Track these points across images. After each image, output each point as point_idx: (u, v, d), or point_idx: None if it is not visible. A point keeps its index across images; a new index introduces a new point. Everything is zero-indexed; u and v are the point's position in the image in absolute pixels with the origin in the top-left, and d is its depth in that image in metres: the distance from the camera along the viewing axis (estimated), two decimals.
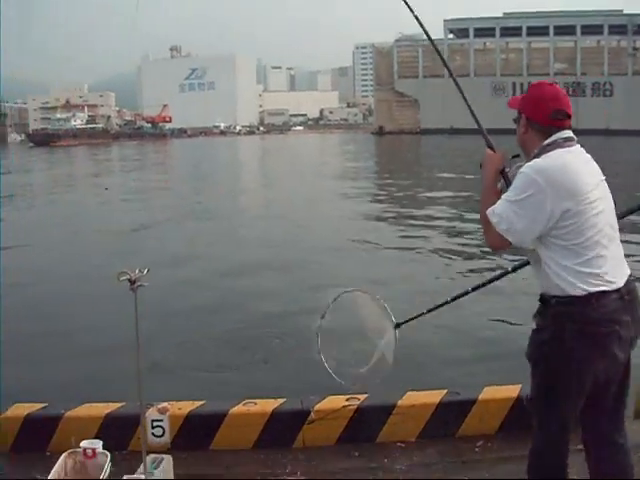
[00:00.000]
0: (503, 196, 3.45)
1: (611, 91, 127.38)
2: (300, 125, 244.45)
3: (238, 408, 5.08)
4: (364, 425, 4.95)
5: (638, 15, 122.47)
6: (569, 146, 3.51)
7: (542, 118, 3.57)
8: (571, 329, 3.34)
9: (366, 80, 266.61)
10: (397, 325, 4.41)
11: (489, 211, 3.43)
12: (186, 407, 5.19)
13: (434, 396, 4.99)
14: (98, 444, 4.57)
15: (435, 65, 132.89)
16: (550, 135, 3.53)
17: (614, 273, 3.41)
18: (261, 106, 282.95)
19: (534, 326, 3.53)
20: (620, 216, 3.65)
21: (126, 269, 3.94)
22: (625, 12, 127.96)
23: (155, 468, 4.56)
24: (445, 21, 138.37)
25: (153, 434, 5.12)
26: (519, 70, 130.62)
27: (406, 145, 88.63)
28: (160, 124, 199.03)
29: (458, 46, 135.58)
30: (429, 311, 4.47)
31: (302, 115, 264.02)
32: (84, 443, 4.57)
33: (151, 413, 5.13)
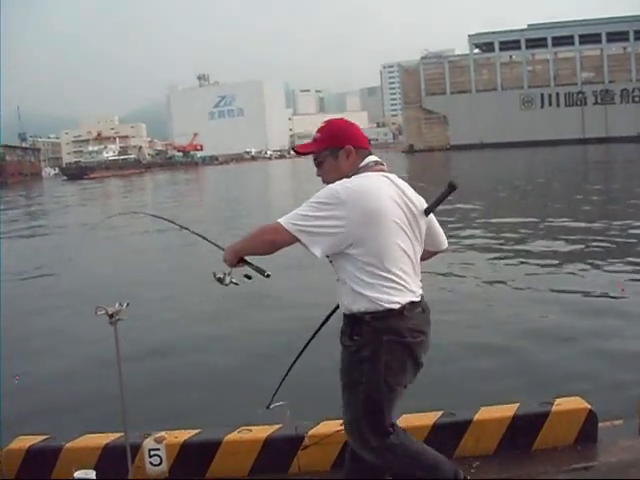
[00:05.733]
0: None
1: None
2: None
3: (233, 435, 5.04)
4: None
5: None
6: (379, 170, 3.71)
7: (362, 140, 3.79)
8: (389, 341, 3.46)
9: (395, 99, 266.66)
10: None
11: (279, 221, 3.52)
12: (182, 435, 5.15)
13: (429, 418, 4.88)
14: (92, 474, 4.55)
15: (462, 81, 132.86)
16: (364, 158, 3.72)
17: (416, 287, 3.62)
18: (291, 129, 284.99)
19: (348, 346, 3.57)
20: (430, 207, 3.74)
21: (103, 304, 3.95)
22: None
23: None
24: (469, 36, 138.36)
25: (151, 463, 5.12)
26: (547, 81, 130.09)
27: (437, 161, 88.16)
28: (191, 152, 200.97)
29: (484, 60, 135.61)
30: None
31: None
32: (78, 474, 4.55)
33: (148, 442, 5.12)
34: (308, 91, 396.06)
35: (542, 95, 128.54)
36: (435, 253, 4.06)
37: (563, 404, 4.87)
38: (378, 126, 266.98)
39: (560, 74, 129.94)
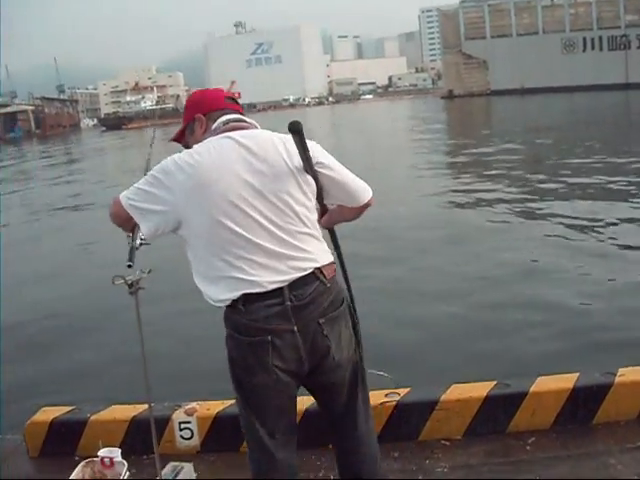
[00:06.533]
0: None
1: None
2: (369, 93, 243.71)
3: None
4: (404, 422, 4.52)
5: None
6: (231, 129, 3.17)
7: (214, 103, 3.35)
8: (229, 337, 3.09)
9: (433, 44, 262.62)
10: None
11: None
12: (215, 407, 4.86)
13: (481, 389, 4.50)
14: (116, 452, 4.33)
15: (502, 24, 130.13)
16: (217, 120, 3.27)
17: (270, 274, 3.01)
18: (329, 76, 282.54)
19: None
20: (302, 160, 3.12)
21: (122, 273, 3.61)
22: None
23: (175, 477, 4.27)
24: None
25: (181, 436, 4.87)
26: (589, 25, 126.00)
27: (476, 107, 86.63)
28: None
29: (525, 3, 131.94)
30: None
31: (371, 83, 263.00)
32: (102, 452, 4.33)
33: (179, 414, 4.86)
34: (346, 37, 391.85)
35: (584, 39, 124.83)
36: (359, 209, 3.34)
37: (627, 374, 4.44)
38: (417, 71, 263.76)
39: (603, 17, 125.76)
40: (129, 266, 3.51)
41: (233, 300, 3.02)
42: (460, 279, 10.26)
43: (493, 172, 22.53)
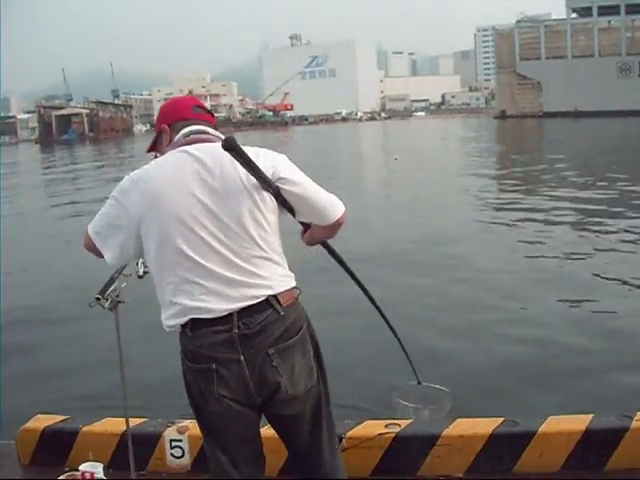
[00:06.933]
0: None
1: None
2: (422, 110, 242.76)
3: (263, 431, 4.47)
4: (403, 456, 4.25)
5: None
6: (191, 142, 2.95)
7: (178, 113, 3.11)
8: (182, 360, 2.95)
9: (488, 63, 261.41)
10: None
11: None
12: None
13: (487, 425, 4.21)
14: (99, 468, 4.27)
15: (558, 46, 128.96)
16: (179, 131, 3.04)
17: (219, 301, 2.80)
18: (382, 92, 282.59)
19: None
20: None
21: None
22: None
23: None
24: (567, 0, 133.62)
25: (172, 454, 4.70)
26: None
27: (527, 128, 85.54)
28: (281, 112, 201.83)
29: (582, 25, 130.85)
30: None
31: (424, 100, 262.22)
32: (84, 466, 4.27)
33: (170, 432, 4.69)
34: (401, 53, 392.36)
35: None
36: (330, 228, 3.04)
37: None
38: (470, 90, 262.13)
39: None
40: (97, 299, 3.43)
41: (182, 324, 2.86)
42: None
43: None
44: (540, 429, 4.11)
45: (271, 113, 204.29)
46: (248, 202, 2.84)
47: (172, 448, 4.64)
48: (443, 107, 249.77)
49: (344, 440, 4.27)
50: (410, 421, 4.39)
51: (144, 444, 4.60)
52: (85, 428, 4.79)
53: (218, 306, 2.80)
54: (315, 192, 2.97)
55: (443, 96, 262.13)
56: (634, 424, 4.07)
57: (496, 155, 42.96)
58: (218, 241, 2.82)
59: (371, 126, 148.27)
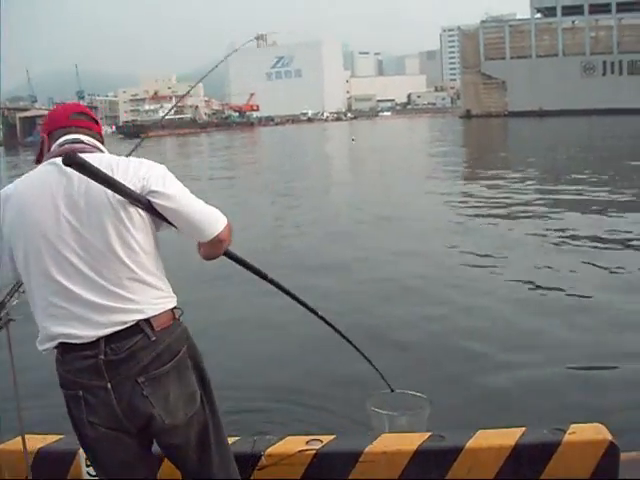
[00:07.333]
0: None
1: None
2: (388, 110, 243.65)
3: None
4: (325, 473, 4.00)
5: None
6: (59, 154, 2.68)
7: (56, 121, 2.92)
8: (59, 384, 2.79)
9: (454, 63, 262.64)
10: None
11: None
12: None
13: (412, 440, 3.96)
14: None
15: (522, 46, 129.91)
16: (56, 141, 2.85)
17: (86, 327, 2.61)
18: (348, 92, 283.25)
19: None
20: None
21: None
22: None
23: None
24: (532, 0, 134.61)
25: (88, 473, 4.40)
26: (609, 48, 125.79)
27: (491, 127, 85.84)
28: (247, 113, 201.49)
29: (546, 25, 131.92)
30: None
31: (390, 100, 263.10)
32: None
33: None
34: (367, 53, 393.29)
35: (604, 62, 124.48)
36: (210, 246, 2.81)
37: (578, 432, 3.89)
38: (436, 90, 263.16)
39: (624, 41, 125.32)
40: None
41: (54, 347, 2.67)
42: None
43: None
44: (468, 444, 3.87)
45: (237, 114, 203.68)
46: (113, 220, 2.61)
47: (87, 466, 4.37)
48: (409, 107, 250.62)
49: (263, 457, 4.03)
50: (332, 437, 4.14)
51: (59, 461, 4.38)
52: (1, 446, 4.51)
53: (85, 332, 2.62)
54: (190, 206, 2.73)
55: (409, 96, 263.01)
56: (566, 437, 3.85)
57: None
58: (84, 262, 2.61)
59: (337, 126, 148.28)
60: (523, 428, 3.97)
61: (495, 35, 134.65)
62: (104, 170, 2.55)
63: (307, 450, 4.02)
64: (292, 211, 20.67)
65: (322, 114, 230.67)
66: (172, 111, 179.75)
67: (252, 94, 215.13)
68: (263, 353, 8.01)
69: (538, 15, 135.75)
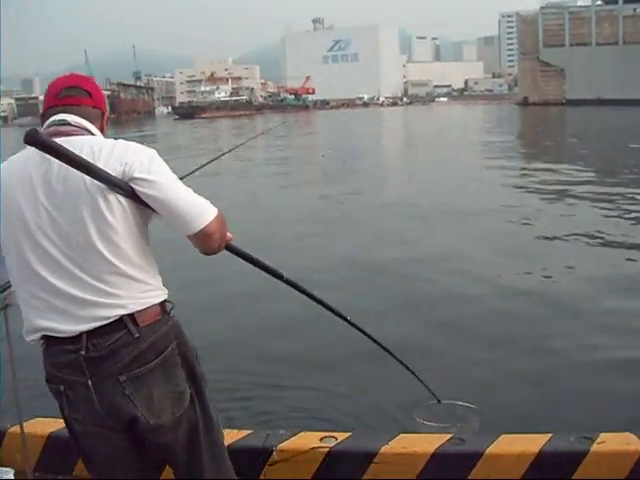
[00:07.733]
0: None
1: None
2: (444, 96, 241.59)
3: None
4: (338, 472, 3.84)
5: None
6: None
7: (49, 100, 2.69)
8: None
9: (512, 50, 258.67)
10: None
11: None
12: None
13: (430, 442, 3.78)
14: (9, 474, 3.99)
15: (582, 33, 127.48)
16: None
17: (68, 321, 2.46)
18: (405, 77, 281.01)
19: None
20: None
21: None
22: None
23: None
24: None
25: None
26: None
27: (549, 116, 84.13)
28: (303, 96, 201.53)
29: (606, 12, 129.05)
30: None
31: (446, 86, 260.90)
32: None
33: None
34: (424, 38, 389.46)
35: None
36: (197, 239, 2.56)
37: (608, 442, 3.65)
38: (494, 77, 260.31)
39: None
40: None
41: (39, 339, 2.57)
42: None
43: None
44: (489, 449, 3.66)
45: (293, 97, 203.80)
46: (90, 211, 2.43)
47: None
48: (466, 93, 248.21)
49: (275, 453, 3.88)
50: (348, 434, 3.97)
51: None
52: (11, 429, 4.49)
53: (67, 327, 2.48)
54: (175, 195, 2.50)
55: (466, 82, 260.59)
56: (594, 447, 3.61)
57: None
58: (63, 254, 2.46)
59: (392, 111, 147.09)
60: (549, 434, 3.75)
61: (554, 22, 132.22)
62: (85, 154, 2.39)
63: (320, 447, 3.87)
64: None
65: (378, 99, 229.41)
66: (228, 93, 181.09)
67: (308, 77, 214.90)
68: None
69: (599, 2, 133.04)
